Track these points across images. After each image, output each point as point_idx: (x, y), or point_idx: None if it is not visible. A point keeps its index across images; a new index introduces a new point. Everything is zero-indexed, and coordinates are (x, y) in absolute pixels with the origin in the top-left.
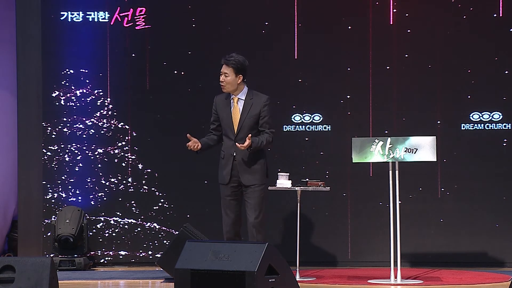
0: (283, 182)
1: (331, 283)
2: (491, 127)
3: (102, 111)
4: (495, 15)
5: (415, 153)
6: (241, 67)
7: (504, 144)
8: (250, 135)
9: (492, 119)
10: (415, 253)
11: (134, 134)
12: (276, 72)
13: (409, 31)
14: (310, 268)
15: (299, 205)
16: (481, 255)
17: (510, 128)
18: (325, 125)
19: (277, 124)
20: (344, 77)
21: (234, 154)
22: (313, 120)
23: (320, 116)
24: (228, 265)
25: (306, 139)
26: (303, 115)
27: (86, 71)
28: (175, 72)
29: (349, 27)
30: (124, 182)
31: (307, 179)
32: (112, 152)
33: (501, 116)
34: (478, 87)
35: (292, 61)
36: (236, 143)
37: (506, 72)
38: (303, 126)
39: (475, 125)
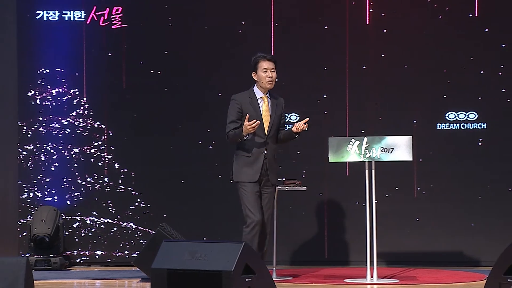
0: None
1: (307, 282)
2: (466, 127)
3: (78, 110)
4: (470, 15)
5: (391, 152)
6: None
7: (480, 144)
8: (307, 118)
9: (468, 118)
10: (391, 253)
11: (111, 134)
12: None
13: (385, 31)
14: (286, 268)
15: (276, 205)
16: (456, 254)
17: (485, 128)
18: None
19: None
20: (321, 77)
21: (265, 152)
22: (290, 120)
23: (297, 115)
24: (204, 264)
25: None
26: None
27: (62, 70)
28: (152, 71)
29: (326, 27)
30: (100, 181)
31: (283, 178)
32: (88, 152)
33: (476, 116)
34: (453, 87)
35: None
36: (296, 124)
37: (482, 72)
38: None
39: (451, 124)
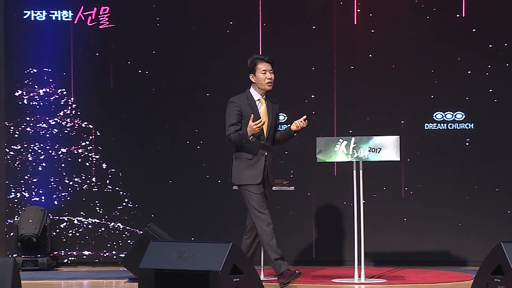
0: None
1: (295, 282)
2: (454, 127)
3: (65, 110)
4: (458, 15)
5: (379, 152)
6: None
7: (467, 144)
8: (305, 116)
9: (455, 118)
10: (379, 252)
11: (98, 134)
12: (241, 72)
13: (373, 31)
14: None
15: None
16: (444, 254)
17: (472, 128)
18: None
19: None
20: (309, 77)
21: (266, 154)
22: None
23: (285, 115)
24: (192, 264)
25: None
26: None
27: (50, 70)
28: (140, 71)
29: (314, 27)
30: (88, 181)
31: None
32: (75, 152)
33: (464, 116)
34: (441, 87)
35: None
36: (295, 122)
37: (469, 72)
38: None
39: (438, 124)
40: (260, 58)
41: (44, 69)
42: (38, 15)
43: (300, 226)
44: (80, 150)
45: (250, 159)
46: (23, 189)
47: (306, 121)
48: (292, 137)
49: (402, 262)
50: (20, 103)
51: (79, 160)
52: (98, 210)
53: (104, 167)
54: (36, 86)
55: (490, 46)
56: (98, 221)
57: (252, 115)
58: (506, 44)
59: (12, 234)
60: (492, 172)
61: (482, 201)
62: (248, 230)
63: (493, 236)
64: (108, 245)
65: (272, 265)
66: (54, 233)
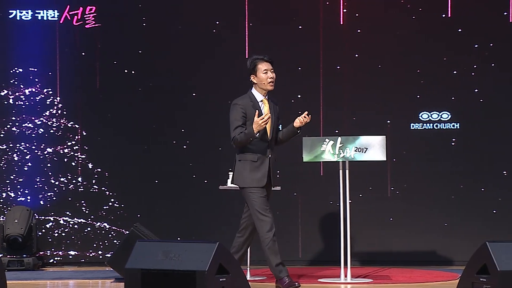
0: None
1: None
2: (440, 127)
3: (51, 110)
4: (444, 15)
5: (365, 152)
6: None
7: (453, 144)
8: (306, 111)
9: (441, 118)
10: (365, 252)
11: (84, 133)
12: (227, 71)
13: (359, 31)
14: (260, 267)
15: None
16: (430, 253)
17: (458, 127)
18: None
19: (228, 124)
20: (295, 77)
21: (270, 156)
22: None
23: None
24: (178, 264)
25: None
26: None
27: (35, 69)
28: (126, 71)
29: (300, 27)
30: (74, 181)
31: None
32: (61, 152)
33: (449, 116)
34: (427, 87)
35: (243, 61)
36: (298, 118)
37: (455, 72)
38: None
39: (424, 124)
40: (260, 58)
41: (30, 69)
42: (24, 15)
43: (287, 225)
44: (66, 150)
45: (255, 161)
46: (8, 189)
47: (310, 115)
48: (295, 134)
49: (388, 261)
50: (5, 102)
51: (65, 160)
52: (84, 210)
53: (90, 167)
54: (22, 86)
55: (476, 46)
56: (84, 221)
57: (257, 111)
58: (491, 44)
59: None
60: (478, 172)
61: (468, 201)
62: (242, 228)
63: (478, 236)
64: (94, 245)
65: (272, 269)
66: (40, 233)
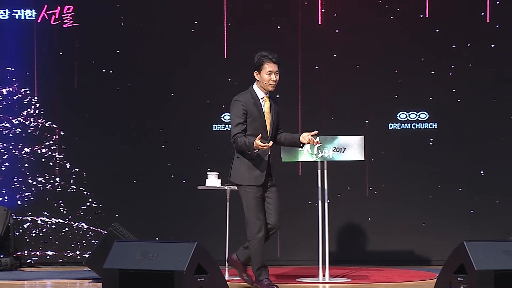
0: (213, 181)
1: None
2: (417, 127)
3: (29, 109)
4: (421, 15)
5: (343, 152)
6: None
7: (430, 144)
8: (316, 131)
9: (419, 118)
10: (343, 252)
11: (62, 133)
12: (206, 71)
13: (337, 31)
14: None
15: (229, 204)
16: (408, 253)
17: (436, 127)
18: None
19: (206, 123)
20: None
21: (269, 154)
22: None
23: None
24: (157, 264)
25: None
26: None
27: (13, 69)
28: (104, 70)
29: (278, 27)
30: (51, 181)
31: None
32: (39, 151)
33: (427, 116)
34: (405, 87)
35: (221, 61)
36: (311, 138)
37: (433, 72)
38: None
39: (402, 124)
40: (268, 58)
41: (7, 68)
42: (1, 14)
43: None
44: (43, 150)
45: (254, 158)
46: None
47: (318, 140)
48: (297, 147)
49: (366, 261)
50: None
51: (43, 160)
52: (62, 210)
53: (68, 167)
54: None
55: (454, 46)
56: (62, 221)
57: (260, 134)
58: (469, 45)
59: None
60: (455, 171)
61: (445, 201)
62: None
63: (456, 236)
64: (72, 245)
65: (253, 270)
66: (17, 233)
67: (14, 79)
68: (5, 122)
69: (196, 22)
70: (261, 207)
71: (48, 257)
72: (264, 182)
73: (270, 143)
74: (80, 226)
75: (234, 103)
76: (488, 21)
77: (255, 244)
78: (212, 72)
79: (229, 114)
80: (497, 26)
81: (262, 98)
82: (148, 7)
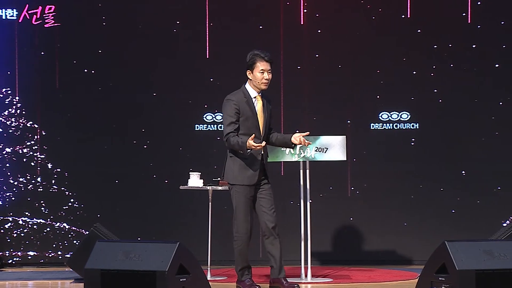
0: (195, 181)
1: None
2: (399, 127)
3: (10, 109)
4: (403, 16)
5: (325, 152)
6: None
7: (412, 144)
8: (308, 132)
9: (401, 118)
10: (325, 252)
11: (44, 133)
12: (188, 71)
13: (319, 31)
14: (221, 267)
15: (211, 204)
16: (389, 253)
17: (418, 128)
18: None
19: (189, 123)
20: None
21: (262, 153)
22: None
23: None
24: (139, 265)
25: (218, 138)
26: (215, 114)
27: None
28: (85, 70)
29: (260, 27)
30: (33, 181)
31: (218, 179)
32: (20, 152)
33: (409, 116)
34: (387, 87)
35: (203, 61)
36: (303, 139)
37: (414, 72)
38: (215, 126)
39: (384, 124)
40: (261, 57)
41: None
42: None
43: None
44: (25, 150)
45: (247, 159)
46: None
47: (309, 141)
48: (289, 147)
49: (348, 261)
50: None
51: (24, 160)
52: (44, 210)
53: (49, 167)
54: None
55: (435, 47)
56: (43, 221)
57: (253, 134)
58: (450, 45)
59: None
60: (437, 171)
61: (426, 201)
62: (263, 231)
63: (437, 235)
64: (54, 245)
65: (236, 270)
66: None
67: None
68: None
69: (178, 22)
70: (251, 209)
71: (29, 257)
72: (257, 181)
73: (263, 143)
74: (61, 226)
75: (226, 102)
76: (469, 22)
77: (240, 244)
78: (194, 72)
79: (211, 114)
80: (478, 26)
81: (255, 97)
82: (130, 7)
